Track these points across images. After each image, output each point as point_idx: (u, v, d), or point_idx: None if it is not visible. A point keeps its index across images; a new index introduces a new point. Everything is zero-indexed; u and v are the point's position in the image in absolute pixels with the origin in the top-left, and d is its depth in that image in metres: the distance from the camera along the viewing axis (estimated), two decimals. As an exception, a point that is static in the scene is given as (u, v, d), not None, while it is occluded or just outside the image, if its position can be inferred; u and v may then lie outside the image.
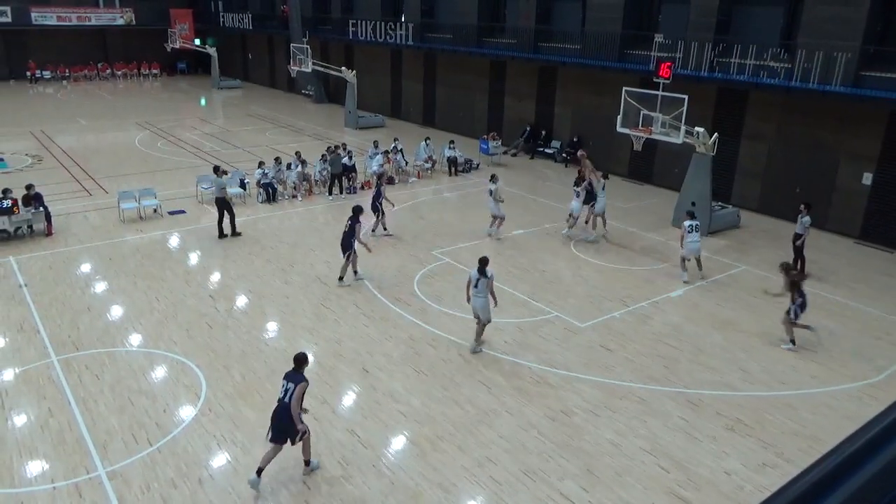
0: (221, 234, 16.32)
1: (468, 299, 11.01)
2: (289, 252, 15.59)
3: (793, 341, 11.60)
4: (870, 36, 16.95)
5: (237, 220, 16.59)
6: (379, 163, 21.15)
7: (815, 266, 15.49)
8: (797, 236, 14.88)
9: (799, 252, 14.95)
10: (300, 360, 7.91)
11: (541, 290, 13.75)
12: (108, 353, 10.87)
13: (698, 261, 14.58)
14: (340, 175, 20.36)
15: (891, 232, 17.13)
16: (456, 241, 16.52)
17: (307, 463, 8.08)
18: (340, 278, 13.79)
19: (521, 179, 22.87)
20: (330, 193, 20.18)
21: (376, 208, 16.36)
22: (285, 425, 7.60)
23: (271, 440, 7.71)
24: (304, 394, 7.71)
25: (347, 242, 13.42)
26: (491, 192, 16.46)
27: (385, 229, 16.70)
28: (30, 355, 10.70)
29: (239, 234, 16.48)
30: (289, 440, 7.70)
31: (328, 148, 21.07)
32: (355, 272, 13.86)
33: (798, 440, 9.07)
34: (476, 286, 10.77)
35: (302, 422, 7.70)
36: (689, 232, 14.05)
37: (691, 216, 14.44)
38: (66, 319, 11.96)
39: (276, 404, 7.73)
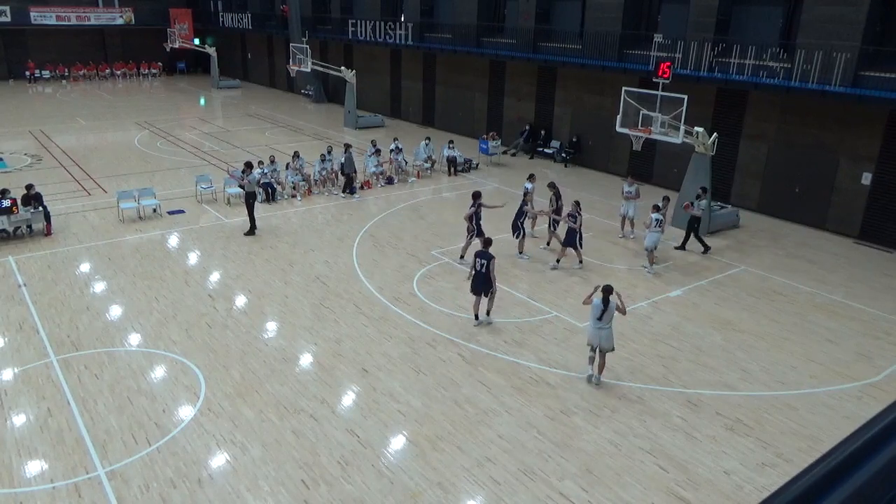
0: (252, 230, 16.63)
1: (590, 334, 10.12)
2: (288, 252, 15.59)
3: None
4: (869, 36, 16.95)
5: (238, 218, 16.72)
6: (374, 163, 21.35)
7: (814, 266, 15.51)
8: (696, 219, 15.78)
9: (696, 233, 15.91)
10: (488, 242, 11.89)
11: (540, 290, 13.76)
12: (107, 352, 10.87)
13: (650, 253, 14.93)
14: (352, 174, 20.24)
15: (890, 232, 17.13)
16: (455, 241, 16.50)
17: (488, 312, 11.97)
18: (462, 257, 15.10)
19: (521, 180, 22.74)
20: (344, 191, 20.16)
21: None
22: (483, 286, 11.58)
23: (473, 293, 11.76)
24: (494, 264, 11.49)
25: (478, 225, 14.75)
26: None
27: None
28: (29, 355, 10.70)
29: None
30: (483, 294, 11.70)
31: (328, 148, 21.06)
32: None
33: (797, 440, 9.08)
34: (601, 318, 9.88)
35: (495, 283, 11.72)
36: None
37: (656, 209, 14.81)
38: (65, 319, 11.96)
39: (474, 273, 11.60)
